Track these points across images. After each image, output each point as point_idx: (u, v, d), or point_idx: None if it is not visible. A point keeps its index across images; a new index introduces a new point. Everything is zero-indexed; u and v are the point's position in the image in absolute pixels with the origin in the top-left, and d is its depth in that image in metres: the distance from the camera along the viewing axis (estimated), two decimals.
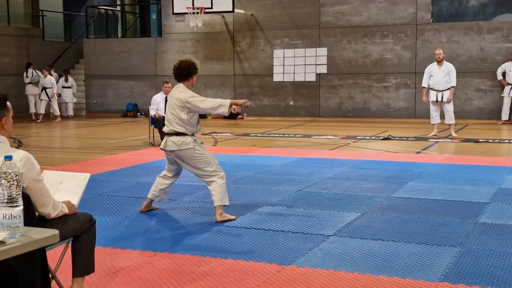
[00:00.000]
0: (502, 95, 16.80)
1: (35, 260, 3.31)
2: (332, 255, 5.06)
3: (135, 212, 6.68)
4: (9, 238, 2.77)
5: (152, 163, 10.08)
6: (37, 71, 20.37)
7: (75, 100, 21.27)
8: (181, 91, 6.25)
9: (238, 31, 19.99)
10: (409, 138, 13.28)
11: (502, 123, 16.43)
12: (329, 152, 11.38)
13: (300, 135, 14.16)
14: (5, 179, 2.81)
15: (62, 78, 21.07)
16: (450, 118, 13.40)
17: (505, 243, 5.34)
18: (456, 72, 13.37)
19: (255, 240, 5.53)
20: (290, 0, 19.23)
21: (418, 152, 11.25)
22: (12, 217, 2.81)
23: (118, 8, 25.78)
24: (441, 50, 13.41)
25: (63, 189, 4.06)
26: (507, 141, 12.83)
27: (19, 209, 2.83)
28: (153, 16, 24.48)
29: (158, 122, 12.46)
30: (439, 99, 13.23)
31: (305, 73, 18.90)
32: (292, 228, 5.94)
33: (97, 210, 6.72)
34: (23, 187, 3.26)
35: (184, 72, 6.33)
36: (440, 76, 13.18)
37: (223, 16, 19.87)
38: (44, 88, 19.46)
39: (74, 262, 3.93)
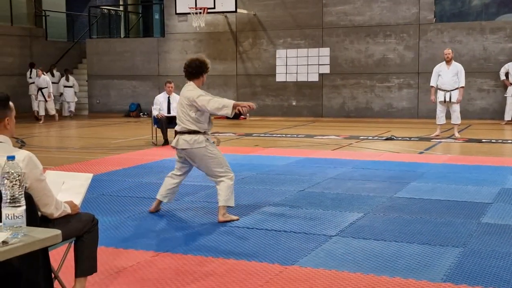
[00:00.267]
0: (505, 95, 16.78)
1: (37, 260, 3.32)
2: (334, 255, 5.06)
3: (137, 212, 6.68)
4: (11, 238, 2.78)
5: (154, 163, 10.09)
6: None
7: (76, 99, 21.42)
8: (190, 90, 6.22)
9: (241, 31, 19.99)
10: (412, 138, 13.27)
11: (505, 123, 16.41)
12: (331, 152, 11.38)
13: (303, 135, 14.16)
14: (7, 179, 2.81)
15: (64, 78, 21.20)
16: (456, 118, 13.38)
17: (508, 244, 5.33)
18: None
19: (258, 240, 5.53)
20: (292, 0, 19.22)
21: (421, 152, 11.25)
22: (15, 217, 2.81)
23: (121, 8, 25.80)
24: (449, 50, 13.37)
25: (66, 189, 4.06)
26: (510, 141, 12.81)
27: (21, 209, 2.83)
28: (156, 16, 24.51)
29: (160, 122, 12.48)
30: (447, 99, 13.20)
31: (307, 73, 18.90)
32: (295, 228, 5.94)
33: (99, 210, 6.73)
34: (25, 187, 3.27)
35: (195, 70, 6.30)
36: (448, 76, 13.14)
37: (225, 16, 19.88)
38: (40, 89, 19.27)
39: (76, 262, 3.94)
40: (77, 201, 3.98)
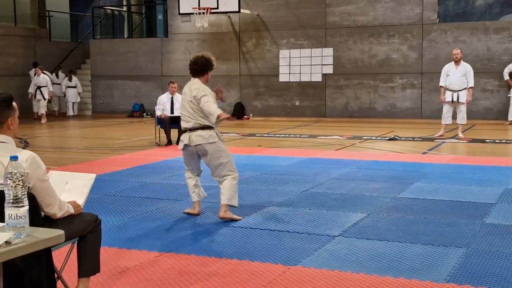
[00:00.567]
0: (509, 95, 16.74)
1: (41, 260, 3.32)
2: (338, 256, 5.05)
3: (141, 212, 6.68)
4: (15, 238, 2.78)
5: (158, 163, 10.09)
6: (44, 71, 20.44)
7: (79, 99, 21.51)
8: (196, 87, 6.26)
9: (244, 31, 19.99)
10: (415, 139, 13.25)
11: (509, 123, 16.37)
12: (335, 152, 11.37)
13: (306, 136, 14.15)
14: (10, 179, 2.81)
15: (67, 78, 21.30)
16: (462, 119, 13.35)
17: (511, 244, 5.32)
18: None
19: (261, 241, 5.53)
20: (296, 0, 19.22)
21: (425, 153, 11.23)
22: (18, 217, 2.82)
23: (124, 8, 25.84)
24: (458, 50, 13.33)
25: (69, 189, 4.07)
26: None
27: (24, 209, 2.83)
28: (159, 17, 24.52)
29: (164, 122, 12.49)
30: (455, 99, 13.17)
31: (311, 73, 18.89)
32: (298, 228, 5.93)
33: (103, 210, 6.73)
34: (29, 187, 3.27)
35: (200, 68, 6.37)
36: (456, 76, 13.11)
37: (229, 16, 19.88)
38: (38, 87, 19.11)
39: (79, 262, 3.94)
40: (80, 201, 3.98)
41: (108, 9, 24.81)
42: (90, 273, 3.99)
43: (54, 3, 24.39)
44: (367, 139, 13.29)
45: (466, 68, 13.15)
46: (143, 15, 25.76)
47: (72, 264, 4.09)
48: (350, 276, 4.55)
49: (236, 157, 10.14)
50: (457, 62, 13.18)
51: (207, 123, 6.24)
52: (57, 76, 21.65)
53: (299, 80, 19.09)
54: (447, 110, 13.42)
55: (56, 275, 3.71)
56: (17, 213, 2.81)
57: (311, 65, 18.86)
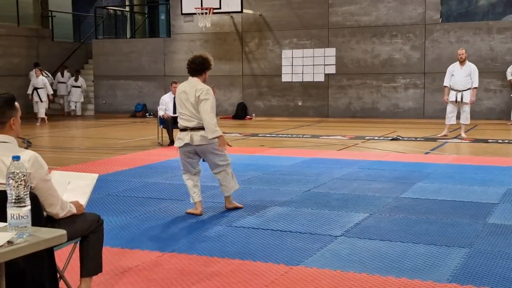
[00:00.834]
0: (511, 95, 16.72)
1: (43, 260, 3.32)
2: (340, 256, 5.05)
3: (143, 212, 6.69)
4: (17, 238, 2.78)
5: (160, 163, 10.10)
6: (45, 71, 20.51)
7: (82, 99, 21.58)
8: (201, 88, 6.31)
9: (247, 32, 19.99)
10: (418, 139, 13.24)
11: None
12: (337, 152, 11.36)
13: (309, 136, 14.15)
14: (13, 179, 2.82)
15: (72, 78, 21.36)
16: (466, 119, 13.33)
17: None
18: None
19: (263, 241, 5.53)
20: (298, 0, 19.21)
21: (427, 153, 11.22)
22: (20, 217, 2.82)
23: (127, 8, 25.85)
24: (463, 50, 13.29)
25: (71, 189, 4.07)
26: None
27: (26, 209, 2.84)
28: (162, 17, 24.54)
29: (166, 123, 12.48)
30: (458, 99, 13.15)
31: (313, 73, 18.90)
32: (300, 228, 5.93)
33: (105, 210, 6.73)
34: (31, 187, 3.28)
35: (198, 67, 6.46)
36: (461, 76, 13.09)
37: (231, 17, 19.88)
38: (35, 89, 18.57)
39: (82, 262, 3.94)
40: (83, 201, 3.99)
41: (110, 9, 24.83)
42: (93, 273, 3.99)
43: (56, 3, 24.41)
44: (369, 139, 13.28)
45: (471, 68, 13.13)
46: (146, 15, 25.77)
47: (74, 264, 4.10)
48: (352, 276, 4.55)
49: (238, 157, 10.20)
50: (462, 62, 13.15)
51: None
52: (62, 75, 21.73)
53: (301, 80, 19.09)
54: (451, 110, 13.40)
55: (58, 275, 3.72)
56: (19, 213, 2.82)
57: (313, 65, 18.86)
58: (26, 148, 3.71)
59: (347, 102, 18.96)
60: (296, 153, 11.19)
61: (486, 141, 12.68)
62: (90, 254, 3.93)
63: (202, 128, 6.30)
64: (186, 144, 6.40)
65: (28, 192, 2.86)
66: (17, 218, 2.82)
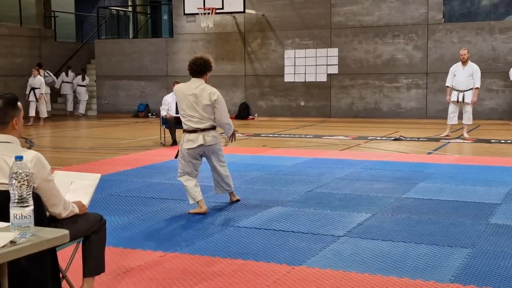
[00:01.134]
0: None
1: (45, 260, 3.33)
2: (342, 256, 5.05)
3: (146, 212, 6.69)
4: (19, 238, 2.79)
5: (163, 163, 10.10)
6: (48, 71, 20.56)
7: (87, 97, 21.72)
8: (212, 92, 6.49)
9: (249, 32, 20.00)
10: (420, 139, 13.23)
11: None
12: (340, 152, 11.36)
13: (311, 136, 14.14)
14: (15, 179, 2.82)
15: (79, 77, 21.67)
16: (468, 119, 13.31)
17: None
18: None
19: (265, 241, 5.53)
20: (301, 0, 19.21)
21: (429, 153, 11.21)
22: (23, 217, 2.82)
23: (130, 8, 25.87)
24: (465, 50, 13.28)
25: (74, 189, 4.08)
26: None
27: (29, 209, 2.84)
28: (164, 17, 24.56)
29: (169, 123, 12.50)
30: (460, 99, 13.14)
31: (316, 73, 18.89)
32: (303, 228, 5.93)
33: (108, 210, 6.74)
34: (33, 187, 3.28)
35: (199, 69, 6.59)
36: (462, 76, 13.07)
37: (234, 17, 19.89)
38: (32, 89, 18.41)
39: (84, 262, 3.95)
40: (85, 201, 3.99)
41: (113, 9, 24.84)
42: (95, 273, 4.00)
43: (59, 3, 24.44)
44: (372, 139, 13.28)
45: (473, 68, 13.11)
46: (148, 15, 25.79)
47: (77, 264, 4.10)
48: (354, 276, 4.55)
49: (241, 157, 10.20)
50: (464, 63, 13.14)
51: (214, 124, 6.58)
52: (66, 74, 21.83)
53: (304, 80, 19.09)
54: (452, 110, 13.39)
55: (61, 275, 3.72)
56: (22, 213, 2.82)
57: (316, 65, 18.86)
58: (28, 148, 3.73)
59: (350, 102, 18.96)
60: (298, 153, 11.18)
61: (488, 141, 12.67)
62: (93, 254, 3.93)
63: (213, 128, 6.52)
64: (199, 146, 6.50)
65: (30, 192, 2.86)
66: (19, 218, 2.82)
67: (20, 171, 2.83)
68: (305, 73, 19.01)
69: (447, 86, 13.42)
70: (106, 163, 10.20)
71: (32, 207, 2.86)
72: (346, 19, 18.77)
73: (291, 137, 14.10)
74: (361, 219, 6.26)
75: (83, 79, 21.64)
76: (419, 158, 10.46)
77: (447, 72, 13.60)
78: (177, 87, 6.81)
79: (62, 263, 3.86)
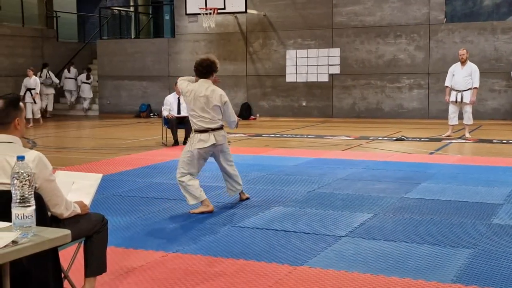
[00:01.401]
0: None
1: (47, 260, 3.33)
2: (344, 256, 5.05)
3: (147, 212, 6.70)
4: (21, 238, 2.79)
5: (165, 163, 10.10)
6: (50, 72, 20.60)
7: (91, 95, 21.81)
8: (222, 94, 6.73)
9: (251, 32, 20.00)
10: (422, 139, 13.22)
11: None
12: (342, 152, 11.36)
13: (313, 136, 14.14)
14: (17, 179, 2.82)
15: (83, 75, 21.85)
16: (468, 119, 13.29)
17: None
18: None
19: (267, 241, 5.53)
20: (303, 0, 19.21)
21: (431, 153, 11.21)
22: (25, 217, 2.82)
23: (131, 9, 25.87)
24: (464, 50, 13.26)
25: (76, 189, 4.08)
26: None
27: (31, 209, 2.84)
28: (166, 17, 24.54)
29: (171, 123, 12.50)
30: (459, 99, 13.12)
31: (318, 73, 18.88)
32: (304, 228, 5.93)
33: (109, 210, 6.74)
34: (35, 187, 3.28)
35: (205, 70, 6.75)
36: (461, 76, 13.06)
37: (236, 17, 19.89)
38: (28, 89, 18.08)
39: (86, 262, 3.95)
40: (87, 201, 3.99)
41: (115, 9, 24.84)
42: (97, 273, 4.00)
43: (61, 3, 24.46)
44: (374, 140, 13.27)
45: (471, 68, 13.10)
46: (150, 16, 25.79)
47: (78, 264, 4.10)
48: (356, 277, 4.55)
49: (242, 157, 10.20)
50: (463, 63, 13.14)
51: (222, 123, 6.81)
52: (68, 71, 21.97)
53: (306, 81, 19.08)
54: (453, 111, 13.38)
55: (62, 275, 3.72)
56: (24, 212, 2.82)
57: (318, 65, 18.85)
58: (30, 148, 3.73)
59: (352, 103, 18.95)
60: (300, 153, 11.18)
61: (490, 141, 12.66)
62: (95, 254, 3.93)
63: (222, 128, 6.74)
64: (211, 145, 6.65)
65: (32, 192, 2.86)
66: (21, 218, 2.82)
67: (22, 171, 2.83)
68: (307, 73, 19.00)
69: (446, 86, 13.42)
70: (108, 163, 10.20)
71: (34, 207, 2.86)
72: (348, 19, 18.76)
73: (293, 137, 14.10)
74: (363, 219, 6.25)
75: (88, 77, 21.81)
76: (421, 158, 10.45)
77: None
78: (186, 88, 6.75)
79: (64, 263, 3.86)
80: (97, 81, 22.53)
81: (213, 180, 8.17)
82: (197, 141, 6.64)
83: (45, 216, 3.41)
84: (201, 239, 5.63)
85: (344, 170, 9.21)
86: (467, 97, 13.09)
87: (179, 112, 12.59)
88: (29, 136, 14.36)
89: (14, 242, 2.74)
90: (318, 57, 18.83)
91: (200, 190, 6.66)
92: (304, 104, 19.48)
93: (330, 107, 19.18)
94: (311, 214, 6.54)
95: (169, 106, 12.68)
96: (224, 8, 18.53)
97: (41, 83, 20.22)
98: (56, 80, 20.98)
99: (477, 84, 13.07)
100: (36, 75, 18.64)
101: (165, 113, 12.65)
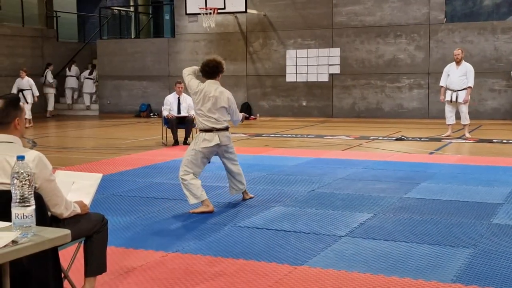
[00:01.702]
0: None
1: (47, 259, 3.33)
2: (344, 256, 5.05)
3: (147, 212, 6.70)
4: (21, 238, 2.79)
5: (165, 163, 10.11)
6: (48, 72, 20.64)
7: (94, 89, 22.25)
8: (230, 96, 6.88)
9: (251, 32, 20.00)
10: (422, 139, 13.22)
11: None
12: (342, 152, 11.36)
13: (313, 136, 14.14)
14: (17, 179, 2.82)
15: (87, 71, 22.23)
16: (464, 119, 13.30)
17: None
18: None
19: (267, 241, 5.53)
20: (303, 0, 19.21)
21: (432, 153, 11.21)
22: (24, 217, 2.83)
23: (132, 8, 25.87)
24: (459, 51, 13.26)
25: (76, 189, 4.08)
26: None
27: (31, 209, 2.84)
28: (166, 17, 24.53)
29: (171, 123, 12.50)
30: (454, 99, 13.13)
31: (318, 73, 18.88)
32: (304, 228, 5.93)
33: (109, 210, 6.75)
34: (35, 187, 3.28)
35: (212, 70, 6.87)
36: (456, 76, 13.07)
37: (236, 17, 19.88)
38: (20, 90, 17.55)
39: (86, 262, 3.95)
40: (87, 201, 3.99)
41: (115, 9, 24.84)
42: (97, 273, 4.00)
43: (61, 3, 24.46)
44: (374, 139, 13.27)
45: (466, 68, 13.11)
46: (150, 15, 25.79)
47: (78, 263, 4.10)
48: (356, 276, 4.55)
49: (243, 157, 10.18)
50: (458, 62, 13.15)
51: (228, 124, 6.92)
52: (69, 69, 22.20)
53: (306, 80, 19.08)
54: (449, 110, 13.39)
55: (62, 275, 3.72)
56: (24, 212, 2.82)
57: (318, 65, 18.85)
58: (30, 148, 3.73)
59: (352, 102, 18.95)
60: (300, 153, 11.18)
61: (490, 141, 12.66)
62: (95, 254, 3.94)
63: (227, 129, 6.82)
64: (215, 145, 6.71)
65: (32, 192, 2.86)
66: (21, 218, 2.82)
67: (22, 171, 2.84)
68: (307, 73, 19.00)
69: (441, 86, 13.43)
70: (108, 163, 10.20)
71: (33, 207, 2.86)
72: (348, 19, 18.76)
73: (293, 137, 14.10)
74: (363, 219, 6.25)
75: (91, 73, 22.12)
76: (421, 158, 10.45)
77: None
78: (196, 88, 6.76)
79: (64, 263, 3.86)
80: (97, 81, 22.53)
81: (214, 180, 8.18)
82: (202, 141, 6.72)
83: (45, 216, 3.41)
84: (201, 239, 5.63)
85: (344, 170, 9.21)
86: (462, 97, 13.09)
87: (179, 112, 12.60)
88: (29, 136, 14.36)
89: (14, 242, 2.74)
90: (318, 57, 18.84)
91: (201, 190, 6.68)
92: (304, 104, 19.48)
93: (330, 107, 19.19)
94: (311, 214, 6.54)
95: (169, 106, 12.68)
96: (224, 8, 18.53)
97: (43, 83, 20.34)
98: (50, 80, 20.89)
99: (471, 84, 13.07)
100: (30, 77, 18.25)
101: (165, 113, 12.65)
